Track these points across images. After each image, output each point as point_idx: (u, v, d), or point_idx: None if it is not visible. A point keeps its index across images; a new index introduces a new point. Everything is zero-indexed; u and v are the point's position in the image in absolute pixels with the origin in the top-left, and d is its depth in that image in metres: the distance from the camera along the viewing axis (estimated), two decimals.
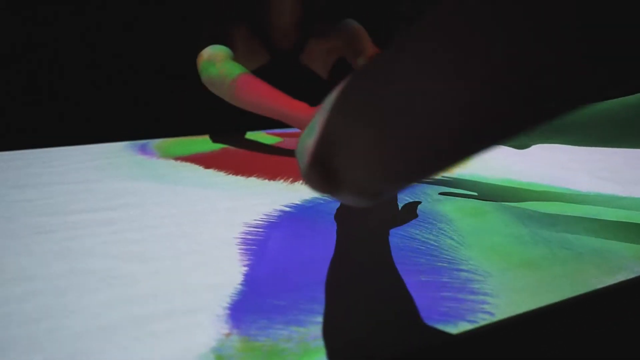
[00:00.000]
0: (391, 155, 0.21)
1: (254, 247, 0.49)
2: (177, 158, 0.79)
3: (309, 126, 0.29)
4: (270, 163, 0.78)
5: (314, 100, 0.89)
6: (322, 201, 0.61)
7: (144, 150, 0.83)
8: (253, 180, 0.69)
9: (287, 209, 0.59)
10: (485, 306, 0.40)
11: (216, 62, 0.84)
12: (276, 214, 0.57)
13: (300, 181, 0.68)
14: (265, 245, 0.49)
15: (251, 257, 0.47)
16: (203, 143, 0.89)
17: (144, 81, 1.58)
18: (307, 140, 0.29)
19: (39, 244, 0.48)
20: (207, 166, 0.75)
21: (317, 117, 0.28)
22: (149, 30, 1.53)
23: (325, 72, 1.06)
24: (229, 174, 0.71)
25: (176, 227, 0.53)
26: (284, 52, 1.01)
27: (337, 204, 0.60)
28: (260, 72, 0.99)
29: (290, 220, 0.55)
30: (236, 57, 0.95)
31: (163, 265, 0.45)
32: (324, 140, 0.27)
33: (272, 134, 0.98)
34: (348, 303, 0.39)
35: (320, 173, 0.28)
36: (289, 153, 0.84)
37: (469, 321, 0.38)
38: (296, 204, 0.60)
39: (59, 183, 0.65)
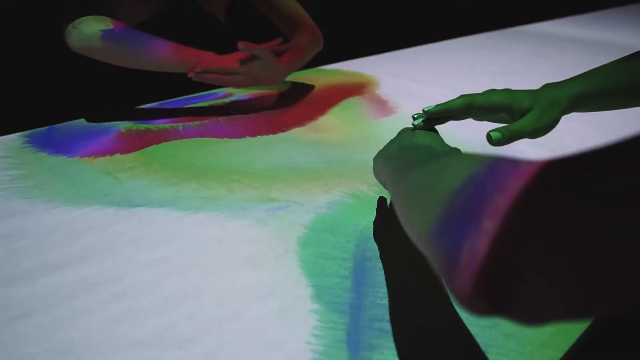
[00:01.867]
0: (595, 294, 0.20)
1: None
2: (89, 155, 0.73)
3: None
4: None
5: (212, 43, 0.90)
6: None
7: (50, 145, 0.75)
8: (214, 181, 0.64)
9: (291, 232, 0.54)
10: None
11: (87, 20, 0.80)
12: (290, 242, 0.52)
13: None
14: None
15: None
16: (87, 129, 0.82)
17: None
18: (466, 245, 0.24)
19: None
20: (135, 165, 0.69)
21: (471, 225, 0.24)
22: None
23: (221, 13, 1.03)
24: (174, 178, 0.66)
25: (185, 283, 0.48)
26: None
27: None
28: (155, 20, 0.94)
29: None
30: (123, 9, 0.88)
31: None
32: (506, 267, 0.23)
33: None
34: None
35: (487, 297, 0.23)
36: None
37: None
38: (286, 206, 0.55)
39: None
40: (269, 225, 0.57)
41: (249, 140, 0.80)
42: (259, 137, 0.82)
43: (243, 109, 0.94)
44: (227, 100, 0.99)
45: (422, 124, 0.52)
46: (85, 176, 0.68)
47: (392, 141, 0.52)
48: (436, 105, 0.52)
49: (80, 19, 0.80)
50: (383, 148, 0.52)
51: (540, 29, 1.80)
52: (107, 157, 0.73)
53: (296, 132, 0.84)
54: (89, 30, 0.79)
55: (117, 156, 0.74)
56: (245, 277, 0.48)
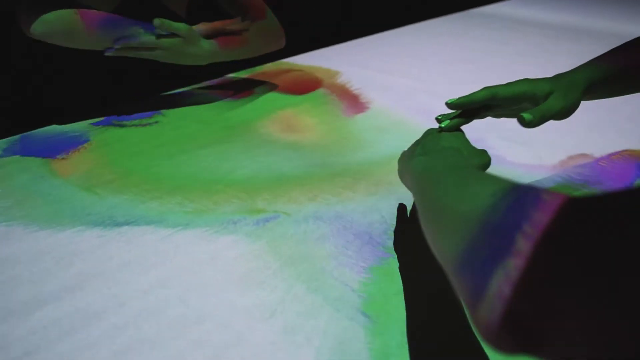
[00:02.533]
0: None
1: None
2: (64, 168, 0.70)
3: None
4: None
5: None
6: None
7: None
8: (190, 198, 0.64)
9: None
10: None
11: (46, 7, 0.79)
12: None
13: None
14: None
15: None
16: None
17: None
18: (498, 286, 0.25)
19: None
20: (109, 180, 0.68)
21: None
22: None
23: (182, 9, 1.01)
24: (156, 191, 0.66)
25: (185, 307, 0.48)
26: None
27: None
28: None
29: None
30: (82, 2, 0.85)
31: None
32: (537, 309, 0.24)
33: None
34: None
35: (513, 336, 0.24)
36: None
37: None
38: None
39: None
40: (260, 239, 0.57)
41: (226, 145, 0.80)
42: (236, 140, 0.81)
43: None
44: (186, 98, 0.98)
45: (449, 126, 0.53)
46: (63, 193, 0.66)
47: (417, 142, 0.53)
48: (458, 98, 0.53)
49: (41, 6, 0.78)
50: (408, 150, 0.53)
51: (498, 11, 1.84)
52: (84, 170, 0.72)
53: (272, 134, 0.84)
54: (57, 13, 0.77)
55: (93, 168, 0.72)
56: (244, 298, 0.49)
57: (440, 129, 0.53)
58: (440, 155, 0.46)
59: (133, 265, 0.53)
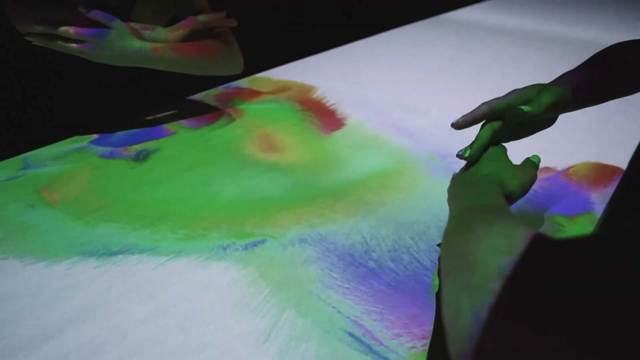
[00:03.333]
0: None
1: None
2: (52, 197, 0.72)
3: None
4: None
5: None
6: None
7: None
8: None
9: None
10: None
11: None
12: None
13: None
14: None
15: None
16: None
17: None
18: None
19: None
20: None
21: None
22: None
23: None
24: (146, 218, 0.69)
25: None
26: (111, 12, 0.91)
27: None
28: None
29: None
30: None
31: None
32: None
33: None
34: None
35: None
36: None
37: None
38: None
39: None
40: (250, 264, 0.61)
41: (210, 167, 0.83)
42: (219, 162, 0.84)
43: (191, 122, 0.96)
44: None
45: (472, 154, 0.56)
46: (54, 223, 0.68)
47: (464, 168, 0.58)
48: (461, 118, 0.57)
49: None
50: (457, 174, 0.58)
51: (466, 16, 1.90)
52: (72, 198, 0.74)
53: (254, 155, 0.87)
54: None
55: (82, 195, 0.74)
56: (240, 324, 0.52)
57: (466, 159, 0.56)
58: (473, 192, 0.50)
59: (131, 295, 0.56)
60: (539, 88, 0.56)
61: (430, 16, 1.87)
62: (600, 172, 0.82)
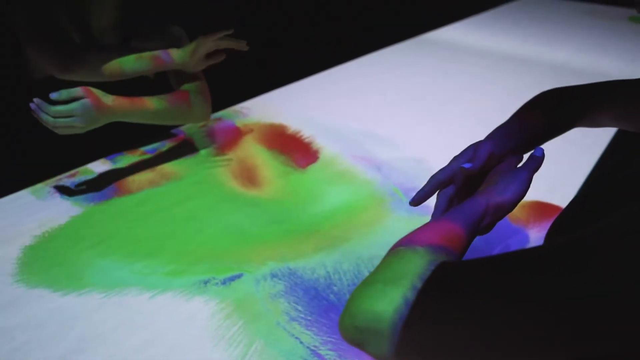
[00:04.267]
0: None
1: None
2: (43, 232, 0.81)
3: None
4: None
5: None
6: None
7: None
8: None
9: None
10: None
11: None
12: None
13: None
14: None
15: None
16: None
17: None
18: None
19: None
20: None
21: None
22: None
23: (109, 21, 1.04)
24: (137, 253, 0.78)
25: None
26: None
27: None
28: None
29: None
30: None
31: None
32: None
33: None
34: None
35: None
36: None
37: None
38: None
39: None
40: (227, 298, 0.71)
41: (196, 201, 0.93)
42: (204, 196, 0.94)
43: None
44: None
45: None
46: (56, 258, 0.78)
47: None
48: (415, 198, 0.61)
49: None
50: None
51: (440, 37, 1.99)
52: (67, 234, 0.83)
53: (235, 189, 0.97)
54: None
55: (79, 231, 0.84)
56: (216, 353, 0.62)
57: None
58: None
59: (124, 327, 0.66)
60: (475, 146, 0.64)
61: (409, 37, 1.96)
62: (539, 212, 0.93)
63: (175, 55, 0.99)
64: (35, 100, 0.83)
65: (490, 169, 0.61)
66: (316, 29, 2.36)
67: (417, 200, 0.61)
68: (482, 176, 0.63)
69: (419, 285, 0.38)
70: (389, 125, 1.25)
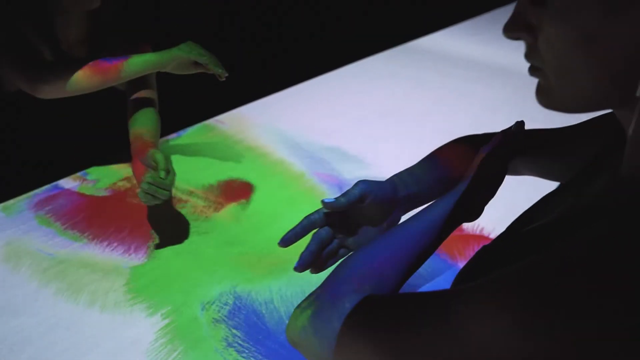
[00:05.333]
0: None
1: None
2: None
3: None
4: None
5: (112, 112, 1.01)
6: None
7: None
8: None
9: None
10: None
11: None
12: None
13: None
14: None
15: None
16: None
17: None
18: None
19: None
20: None
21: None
22: None
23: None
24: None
25: None
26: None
27: None
28: None
29: None
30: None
31: None
32: None
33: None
34: None
35: None
36: None
37: None
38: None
39: None
40: (174, 322, 0.75)
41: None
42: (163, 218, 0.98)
43: None
44: None
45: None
46: (12, 281, 0.82)
47: None
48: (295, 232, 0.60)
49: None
50: None
51: (423, 45, 1.99)
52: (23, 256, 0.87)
53: (194, 212, 1.00)
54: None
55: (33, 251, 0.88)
56: None
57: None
58: None
59: (72, 350, 0.70)
60: (358, 183, 0.58)
61: (394, 45, 1.96)
62: (469, 243, 0.95)
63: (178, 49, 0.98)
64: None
65: (362, 211, 0.58)
66: (298, 40, 2.37)
67: (286, 241, 0.58)
68: (361, 215, 0.59)
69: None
70: (359, 141, 1.27)
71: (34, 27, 1.00)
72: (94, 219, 0.96)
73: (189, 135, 1.28)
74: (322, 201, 0.56)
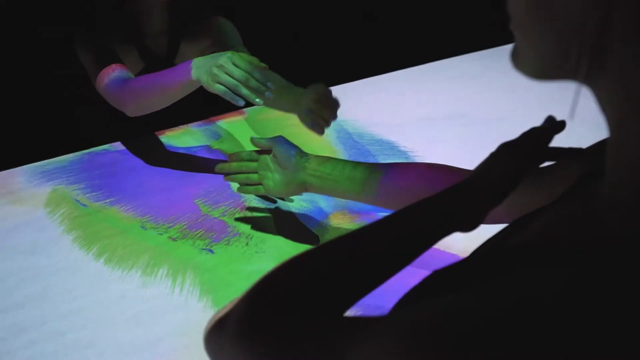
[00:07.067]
0: None
1: None
2: None
3: None
4: None
5: (193, 102, 0.99)
6: None
7: None
8: None
9: None
10: None
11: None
12: None
13: None
14: None
15: None
16: None
17: None
18: None
19: None
20: None
21: None
22: None
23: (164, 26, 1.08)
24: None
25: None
26: (158, 59, 1.08)
27: None
28: None
29: None
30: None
31: None
32: None
33: None
34: None
35: None
36: None
37: None
38: None
39: None
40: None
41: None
42: None
43: None
44: None
45: None
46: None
47: None
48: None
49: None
50: None
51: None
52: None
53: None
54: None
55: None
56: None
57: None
58: None
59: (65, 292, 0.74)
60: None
61: (483, 48, 1.83)
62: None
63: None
64: None
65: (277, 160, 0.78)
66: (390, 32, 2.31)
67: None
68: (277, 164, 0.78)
69: None
70: (416, 139, 1.20)
71: (118, 26, 1.04)
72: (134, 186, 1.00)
73: (251, 113, 1.29)
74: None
